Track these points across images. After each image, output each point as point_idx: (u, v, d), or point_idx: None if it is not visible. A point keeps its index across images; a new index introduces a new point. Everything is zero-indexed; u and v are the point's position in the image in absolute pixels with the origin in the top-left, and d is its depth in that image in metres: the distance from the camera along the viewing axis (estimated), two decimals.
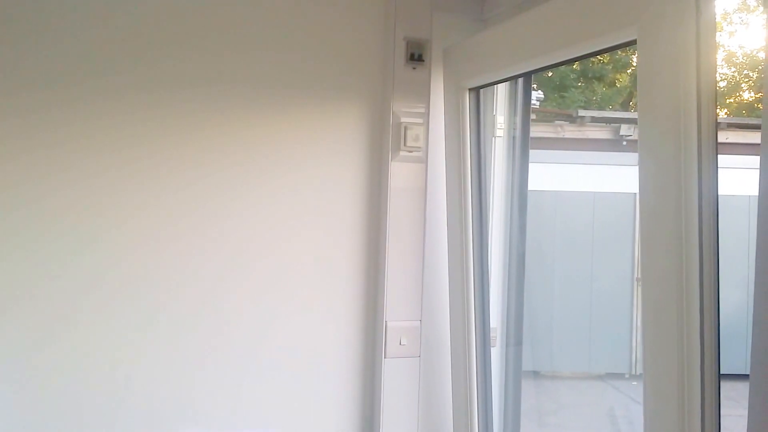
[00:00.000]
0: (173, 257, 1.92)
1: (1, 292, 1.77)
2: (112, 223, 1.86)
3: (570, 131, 4.89)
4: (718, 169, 1.22)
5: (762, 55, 1.08)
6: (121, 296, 1.87)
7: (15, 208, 1.78)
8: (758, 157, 1.06)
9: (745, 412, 1.10)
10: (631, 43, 1.37)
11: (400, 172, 2.06)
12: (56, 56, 1.80)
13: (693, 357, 1.22)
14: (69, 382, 1.83)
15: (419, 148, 2.06)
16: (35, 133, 1.79)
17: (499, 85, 2.14)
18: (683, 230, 1.22)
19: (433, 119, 2.12)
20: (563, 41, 1.58)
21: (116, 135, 1.85)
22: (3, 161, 1.77)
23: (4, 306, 1.78)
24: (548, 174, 4.31)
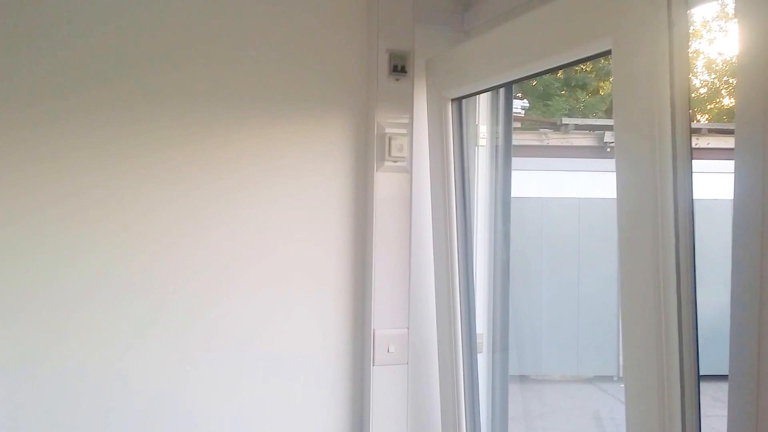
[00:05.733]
0: (163, 269, 1.93)
1: (7, 293, 1.80)
2: (110, 229, 1.88)
3: (555, 139, 4.94)
4: (697, 174, 1.25)
5: None
6: (118, 299, 1.89)
7: (21, 215, 1.81)
8: None
9: None
10: (606, 53, 1.41)
11: (385, 182, 2.08)
12: (61, 70, 1.83)
13: (672, 359, 1.24)
14: (66, 380, 1.84)
15: (403, 158, 2.08)
16: (43, 142, 1.82)
17: (481, 95, 2.18)
18: (660, 234, 1.24)
19: (417, 129, 2.15)
20: (541, 52, 1.62)
21: (116, 145, 1.88)
22: (11, 170, 1.80)
23: (9, 306, 1.80)
24: (534, 181, 4.35)
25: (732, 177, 1.09)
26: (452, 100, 2.09)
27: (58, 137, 1.83)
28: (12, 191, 1.80)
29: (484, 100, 2.23)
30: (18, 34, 1.80)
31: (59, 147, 1.83)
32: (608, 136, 4.50)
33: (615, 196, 1.36)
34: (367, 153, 2.12)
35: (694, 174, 1.24)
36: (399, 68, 2.07)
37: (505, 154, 2.20)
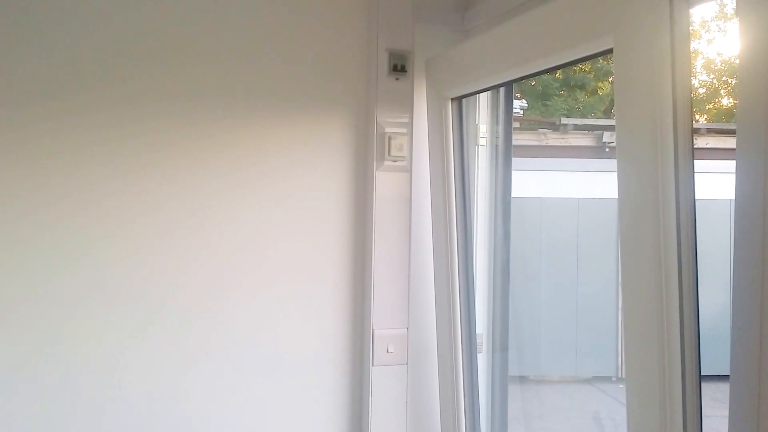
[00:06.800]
0: (162, 270, 1.92)
1: (4, 293, 1.79)
2: (107, 230, 1.88)
3: (553, 139, 4.93)
4: (695, 174, 1.25)
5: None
6: (115, 300, 1.88)
7: (18, 214, 1.80)
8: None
9: None
10: (608, 52, 1.40)
11: (385, 182, 2.08)
12: (62, 69, 1.83)
13: (674, 359, 1.24)
14: (64, 381, 1.83)
15: (403, 157, 2.08)
16: (40, 142, 1.81)
17: (481, 94, 2.17)
18: (661, 234, 1.24)
19: (417, 129, 2.14)
20: (542, 50, 1.61)
21: (115, 145, 1.88)
22: (9, 169, 1.79)
23: (6, 306, 1.79)
24: (533, 181, 4.35)
25: (732, 177, 1.09)
26: (452, 99, 2.09)
27: (57, 137, 1.83)
28: (10, 191, 1.79)
29: (484, 99, 2.23)
30: (20, 34, 1.79)
31: (57, 147, 1.83)
32: (607, 136, 4.50)
33: (614, 196, 1.36)
34: (367, 152, 2.11)
35: (695, 174, 1.24)
36: (399, 67, 2.07)
37: (505, 153, 2.20)
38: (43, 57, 1.82)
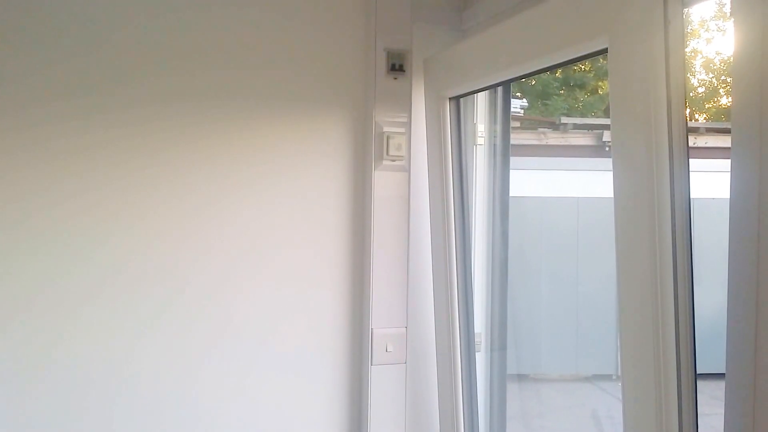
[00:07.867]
0: (163, 270, 1.94)
1: (15, 292, 1.81)
2: (110, 230, 1.89)
3: (553, 138, 4.93)
4: (694, 173, 1.25)
5: None
6: (120, 300, 1.90)
7: (28, 214, 1.82)
8: None
9: None
10: (603, 52, 1.41)
11: (383, 181, 2.08)
12: (73, 73, 1.85)
13: (669, 357, 1.24)
14: (73, 378, 1.85)
15: (402, 156, 2.08)
16: (48, 142, 1.83)
17: (479, 94, 2.18)
18: (656, 232, 1.25)
19: (415, 128, 2.15)
20: (539, 50, 1.62)
21: (122, 147, 1.89)
22: (18, 169, 1.80)
23: (17, 304, 1.81)
24: (533, 180, 4.35)
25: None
26: (450, 98, 2.09)
27: (64, 137, 1.84)
28: (19, 190, 1.80)
29: (482, 98, 2.23)
30: (31, 38, 1.80)
31: (65, 147, 1.84)
32: (607, 136, 4.49)
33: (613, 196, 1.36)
34: (366, 152, 2.12)
35: (693, 173, 1.24)
36: (397, 67, 2.08)
37: (503, 153, 2.20)
38: (63, 61, 1.83)
